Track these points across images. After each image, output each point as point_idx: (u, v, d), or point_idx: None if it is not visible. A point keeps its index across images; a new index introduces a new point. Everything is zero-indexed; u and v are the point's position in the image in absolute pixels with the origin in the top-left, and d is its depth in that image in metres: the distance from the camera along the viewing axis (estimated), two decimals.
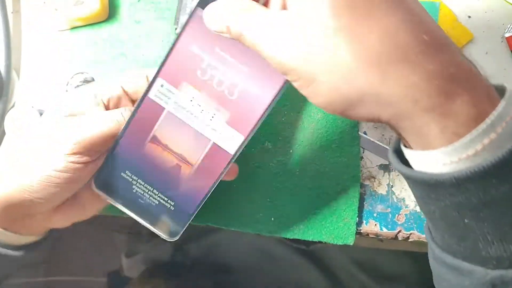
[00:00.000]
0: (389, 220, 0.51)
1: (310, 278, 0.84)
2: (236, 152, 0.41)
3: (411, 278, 0.78)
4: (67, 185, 0.40)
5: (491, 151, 0.25)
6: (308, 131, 0.52)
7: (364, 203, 0.51)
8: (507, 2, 0.53)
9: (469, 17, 0.54)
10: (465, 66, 0.27)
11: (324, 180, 0.51)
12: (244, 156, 0.52)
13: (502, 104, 0.25)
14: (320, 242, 0.51)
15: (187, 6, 0.55)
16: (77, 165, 0.39)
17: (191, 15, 0.36)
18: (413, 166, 0.30)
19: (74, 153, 0.39)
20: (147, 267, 1.00)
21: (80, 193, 0.44)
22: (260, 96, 0.38)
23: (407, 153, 0.30)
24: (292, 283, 0.85)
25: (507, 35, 0.53)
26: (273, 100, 0.38)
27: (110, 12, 0.57)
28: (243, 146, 0.41)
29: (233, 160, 0.42)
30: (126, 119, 0.40)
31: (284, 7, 0.32)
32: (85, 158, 0.39)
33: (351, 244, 0.50)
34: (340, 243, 0.50)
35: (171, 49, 0.37)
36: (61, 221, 0.44)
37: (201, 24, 0.36)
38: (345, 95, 0.28)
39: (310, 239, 0.51)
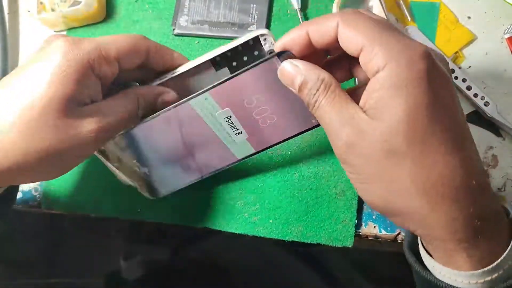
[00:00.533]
0: (388, 222, 0.50)
1: (309, 281, 0.84)
2: (242, 159, 0.45)
3: (410, 280, 0.77)
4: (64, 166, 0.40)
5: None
6: (307, 133, 0.52)
7: (363, 205, 0.51)
8: (507, 2, 0.53)
9: (469, 17, 0.54)
10: (495, 208, 0.32)
11: (323, 182, 0.51)
12: None
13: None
14: (318, 244, 0.51)
15: (185, 7, 0.55)
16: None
17: (264, 60, 0.36)
18: (430, 269, 0.34)
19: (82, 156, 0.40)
20: (145, 271, 1.00)
21: None
22: (286, 130, 0.42)
23: (430, 261, 0.34)
24: (290, 286, 0.85)
25: (507, 36, 0.52)
26: (294, 135, 0.42)
27: (108, 12, 0.56)
28: (250, 157, 0.45)
29: (237, 163, 0.46)
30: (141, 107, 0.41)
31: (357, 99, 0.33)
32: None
33: (350, 246, 0.50)
34: (339, 245, 0.50)
35: (232, 77, 0.38)
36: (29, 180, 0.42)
37: (269, 69, 0.37)
38: (392, 206, 0.32)
39: (308, 241, 0.50)
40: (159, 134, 0.43)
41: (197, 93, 0.40)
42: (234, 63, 0.43)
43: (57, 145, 0.36)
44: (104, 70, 0.38)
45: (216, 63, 0.43)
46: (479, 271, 0.30)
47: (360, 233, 0.51)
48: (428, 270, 0.34)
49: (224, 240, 0.90)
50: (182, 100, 0.40)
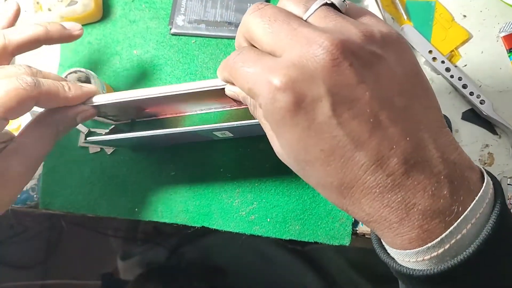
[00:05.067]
0: None
1: (306, 279, 0.84)
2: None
3: None
4: None
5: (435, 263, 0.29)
6: None
7: None
8: (503, 1, 0.53)
9: (465, 16, 0.54)
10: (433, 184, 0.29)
11: None
12: (239, 157, 0.52)
13: (441, 236, 0.28)
14: (316, 242, 0.51)
15: (181, 6, 0.55)
16: None
17: None
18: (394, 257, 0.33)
19: None
20: (143, 271, 1.00)
21: None
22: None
23: (388, 248, 0.33)
24: (287, 284, 0.85)
25: (502, 34, 0.53)
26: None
27: (104, 12, 0.56)
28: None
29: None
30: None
31: None
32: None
33: (347, 244, 0.50)
34: (336, 244, 0.50)
35: (248, 124, 0.41)
36: None
37: None
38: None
39: (306, 239, 0.51)
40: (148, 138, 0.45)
41: (204, 127, 0.42)
42: None
43: None
44: None
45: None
46: (423, 247, 0.29)
47: (357, 231, 0.51)
48: (393, 259, 0.33)
49: (221, 239, 0.90)
50: (188, 128, 0.42)
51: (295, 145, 0.30)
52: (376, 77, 0.28)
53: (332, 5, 0.31)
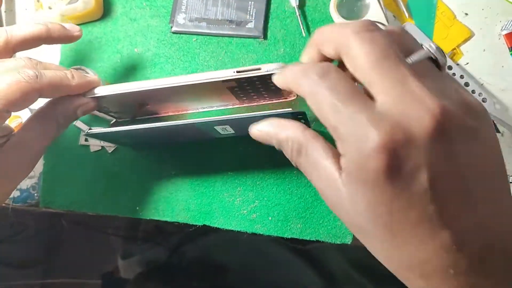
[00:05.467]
0: None
1: (307, 278, 0.84)
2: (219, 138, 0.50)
3: None
4: None
5: None
6: None
7: None
8: None
9: (466, 14, 0.54)
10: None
11: None
12: (240, 156, 0.52)
13: None
14: (317, 241, 0.51)
15: (182, 4, 0.55)
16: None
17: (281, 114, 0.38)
18: None
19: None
20: (143, 269, 1.00)
21: None
22: None
23: None
24: (288, 283, 0.85)
25: (504, 32, 0.52)
26: None
27: (105, 10, 0.56)
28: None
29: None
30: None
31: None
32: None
33: (349, 243, 0.50)
34: (338, 242, 0.50)
35: (249, 116, 0.40)
36: None
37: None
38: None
39: (307, 238, 0.50)
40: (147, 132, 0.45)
41: (206, 120, 0.41)
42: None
43: None
44: None
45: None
46: None
47: None
48: None
49: (222, 238, 0.90)
50: (188, 121, 0.41)
51: (377, 207, 0.27)
52: (472, 154, 0.27)
53: (434, 60, 0.29)
